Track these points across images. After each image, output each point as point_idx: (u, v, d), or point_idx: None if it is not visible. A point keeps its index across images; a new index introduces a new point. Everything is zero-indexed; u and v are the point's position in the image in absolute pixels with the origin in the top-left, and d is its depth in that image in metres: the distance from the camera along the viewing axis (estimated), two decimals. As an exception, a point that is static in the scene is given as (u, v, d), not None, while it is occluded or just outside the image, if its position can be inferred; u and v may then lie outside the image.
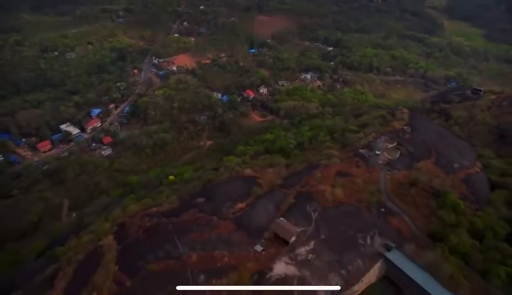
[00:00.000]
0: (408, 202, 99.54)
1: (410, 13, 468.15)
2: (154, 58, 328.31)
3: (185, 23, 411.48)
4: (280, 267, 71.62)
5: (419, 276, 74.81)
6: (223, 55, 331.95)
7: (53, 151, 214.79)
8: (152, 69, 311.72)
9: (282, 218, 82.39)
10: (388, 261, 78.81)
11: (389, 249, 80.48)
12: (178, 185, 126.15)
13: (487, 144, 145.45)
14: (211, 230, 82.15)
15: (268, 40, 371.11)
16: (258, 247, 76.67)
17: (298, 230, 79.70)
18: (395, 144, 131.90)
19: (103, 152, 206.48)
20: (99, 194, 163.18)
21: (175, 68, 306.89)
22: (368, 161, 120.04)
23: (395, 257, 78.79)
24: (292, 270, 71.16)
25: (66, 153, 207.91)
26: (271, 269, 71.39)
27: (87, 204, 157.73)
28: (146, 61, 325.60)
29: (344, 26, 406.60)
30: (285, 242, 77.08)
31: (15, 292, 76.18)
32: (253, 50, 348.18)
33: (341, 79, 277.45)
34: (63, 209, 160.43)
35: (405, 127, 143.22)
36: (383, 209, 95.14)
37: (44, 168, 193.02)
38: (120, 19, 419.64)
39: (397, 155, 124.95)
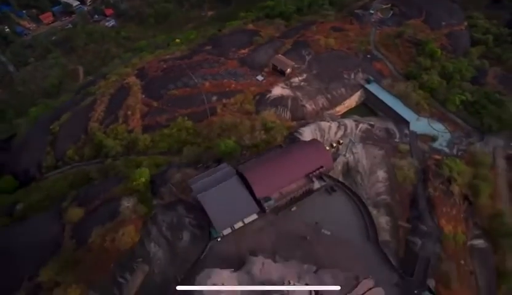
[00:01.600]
0: (392, 50, 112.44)
1: None
2: None
3: None
4: (278, 90, 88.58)
5: (391, 102, 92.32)
6: None
7: (57, 23, 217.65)
8: None
9: (280, 55, 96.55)
10: (367, 91, 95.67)
11: (369, 81, 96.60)
12: (186, 44, 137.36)
13: (478, 8, 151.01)
14: (219, 66, 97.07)
15: None
16: (259, 77, 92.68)
17: (293, 64, 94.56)
18: (389, 4, 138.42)
19: (106, 24, 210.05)
20: (110, 59, 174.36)
21: None
22: (362, 20, 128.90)
23: (373, 88, 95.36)
24: (287, 91, 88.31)
25: (70, 25, 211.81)
26: (270, 91, 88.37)
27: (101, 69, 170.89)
28: None
29: None
30: (282, 73, 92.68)
31: (65, 114, 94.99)
32: None
33: None
34: (79, 73, 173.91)
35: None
36: (369, 56, 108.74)
37: (53, 39, 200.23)
38: None
39: (390, 14, 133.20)
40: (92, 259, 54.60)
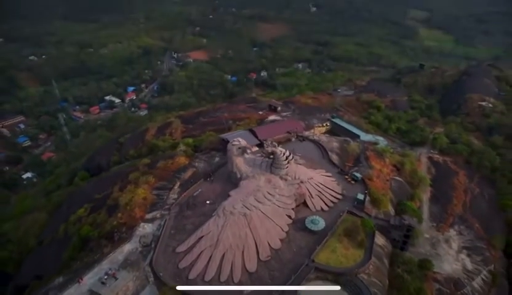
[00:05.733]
0: (351, 106, 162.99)
1: (391, 22, 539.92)
2: (173, 53, 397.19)
3: (197, 28, 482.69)
4: (272, 117, 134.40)
5: (348, 126, 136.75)
6: (230, 51, 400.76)
7: (102, 114, 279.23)
8: (172, 61, 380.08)
9: (273, 100, 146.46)
10: (332, 122, 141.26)
11: (333, 117, 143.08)
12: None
13: (419, 92, 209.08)
14: (234, 108, 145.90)
15: (268, 42, 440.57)
16: (260, 112, 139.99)
17: (282, 104, 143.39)
18: (352, 91, 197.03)
19: (141, 113, 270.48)
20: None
21: (191, 60, 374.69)
22: (332, 94, 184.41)
23: (336, 120, 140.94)
24: (278, 118, 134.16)
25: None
26: (266, 118, 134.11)
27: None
28: (167, 55, 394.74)
29: (334, 31, 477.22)
30: (275, 109, 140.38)
31: (126, 135, 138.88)
32: (255, 48, 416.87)
33: (326, 67, 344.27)
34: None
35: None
36: (334, 108, 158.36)
37: (98, 122, 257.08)
38: (142, 25, 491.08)
39: (352, 92, 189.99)
40: (159, 172, 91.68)
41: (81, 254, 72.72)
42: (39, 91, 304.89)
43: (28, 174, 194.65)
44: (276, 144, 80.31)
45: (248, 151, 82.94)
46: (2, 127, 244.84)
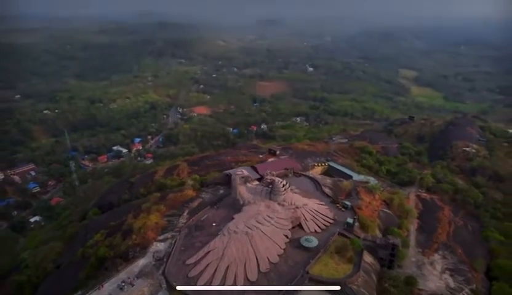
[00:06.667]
0: (344, 152, 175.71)
1: (385, 80, 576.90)
2: (178, 108, 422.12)
3: (201, 86, 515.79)
4: (271, 159, 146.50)
5: (341, 168, 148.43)
6: (232, 106, 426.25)
7: (109, 163, 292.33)
8: (177, 115, 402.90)
9: (273, 145, 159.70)
10: (329, 165, 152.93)
11: (328, 160, 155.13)
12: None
13: (409, 141, 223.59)
14: (236, 152, 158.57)
15: (268, 98, 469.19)
16: (260, 155, 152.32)
17: (280, 148, 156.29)
18: (346, 139, 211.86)
19: (146, 162, 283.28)
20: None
21: (195, 114, 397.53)
22: (327, 142, 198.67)
23: (331, 163, 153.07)
24: (276, 159, 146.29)
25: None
26: (266, 160, 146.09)
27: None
28: (172, 110, 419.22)
29: (330, 88, 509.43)
30: (274, 153, 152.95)
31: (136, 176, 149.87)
32: (256, 104, 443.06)
33: (323, 121, 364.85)
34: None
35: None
36: (329, 153, 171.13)
37: (106, 170, 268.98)
38: (149, 83, 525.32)
39: (345, 140, 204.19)
40: (168, 204, 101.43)
41: (98, 272, 79.94)
42: (50, 142, 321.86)
43: (36, 218, 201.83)
44: (275, 173, 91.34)
45: (250, 181, 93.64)
46: (14, 174, 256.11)
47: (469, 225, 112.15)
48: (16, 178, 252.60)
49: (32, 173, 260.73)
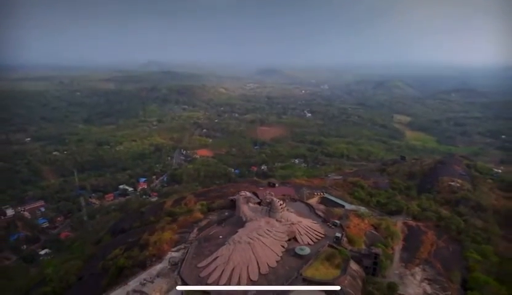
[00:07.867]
0: (339, 186, 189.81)
1: (380, 125, 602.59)
2: (182, 150, 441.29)
3: (204, 130, 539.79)
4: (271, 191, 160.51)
5: (335, 199, 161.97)
6: (234, 149, 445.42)
7: (116, 200, 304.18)
8: (181, 157, 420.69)
9: (272, 179, 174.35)
10: (323, 198, 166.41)
11: (323, 192, 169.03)
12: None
13: (400, 177, 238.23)
14: (238, 186, 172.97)
15: (268, 141, 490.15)
16: (261, 188, 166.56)
17: (279, 183, 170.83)
18: (340, 177, 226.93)
19: (151, 199, 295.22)
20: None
21: (198, 156, 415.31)
22: (322, 179, 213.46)
23: (326, 195, 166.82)
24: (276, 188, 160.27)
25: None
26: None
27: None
28: (176, 152, 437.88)
29: (327, 132, 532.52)
30: (274, 185, 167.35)
31: (147, 205, 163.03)
32: (256, 147, 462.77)
33: (320, 162, 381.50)
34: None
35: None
36: (324, 187, 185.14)
37: (112, 207, 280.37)
38: (154, 127, 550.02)
39: (340, 177, 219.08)
40: (179, 224, 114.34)
41: (118, 280, 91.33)
42: (59, 181, 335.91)
43: (46, 250, 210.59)
44: (273, 194, 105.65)
45: (252, 201, 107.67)
46: (24, 211, 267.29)
47: (451, 247, 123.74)
48: (26, 214, 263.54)
49: (42, 209, 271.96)
